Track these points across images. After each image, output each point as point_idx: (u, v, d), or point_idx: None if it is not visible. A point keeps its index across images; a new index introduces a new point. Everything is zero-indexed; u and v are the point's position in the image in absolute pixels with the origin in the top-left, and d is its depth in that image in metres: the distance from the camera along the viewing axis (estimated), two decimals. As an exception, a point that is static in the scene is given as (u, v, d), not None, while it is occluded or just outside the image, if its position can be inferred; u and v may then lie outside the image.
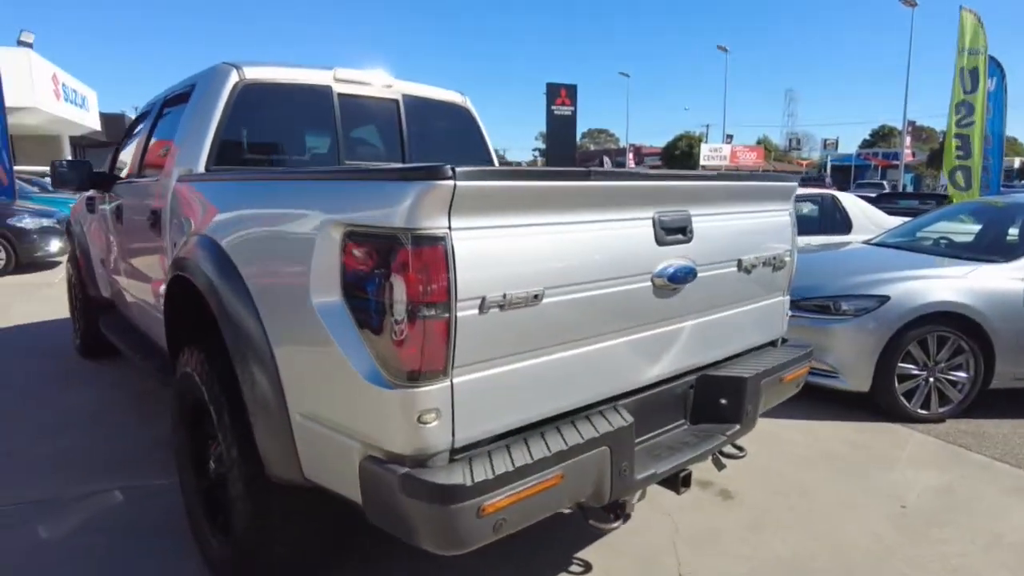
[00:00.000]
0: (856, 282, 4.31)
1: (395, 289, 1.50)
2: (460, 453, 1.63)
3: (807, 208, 7.45)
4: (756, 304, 2.53)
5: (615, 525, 2.00)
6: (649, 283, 1.99)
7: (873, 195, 16.47)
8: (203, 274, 2.18)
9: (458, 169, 1.48)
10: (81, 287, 4.93)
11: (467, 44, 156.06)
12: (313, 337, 1.72)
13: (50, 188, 12.18)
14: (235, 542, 2.15)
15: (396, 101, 3.64)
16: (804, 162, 54.37)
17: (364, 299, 1.58)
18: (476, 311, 1.56)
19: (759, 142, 61.21)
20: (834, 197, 6.95)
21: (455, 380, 1.57)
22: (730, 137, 45.15)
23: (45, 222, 9.51)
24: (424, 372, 1.53)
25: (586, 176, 1.77)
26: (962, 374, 4.15)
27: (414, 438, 1.55)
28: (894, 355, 4.06)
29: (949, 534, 2.84)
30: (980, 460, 3.63)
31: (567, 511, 1.99)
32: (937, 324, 4.08)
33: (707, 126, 58.09)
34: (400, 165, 2.15)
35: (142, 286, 3.52)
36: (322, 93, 3.34)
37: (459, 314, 1.54)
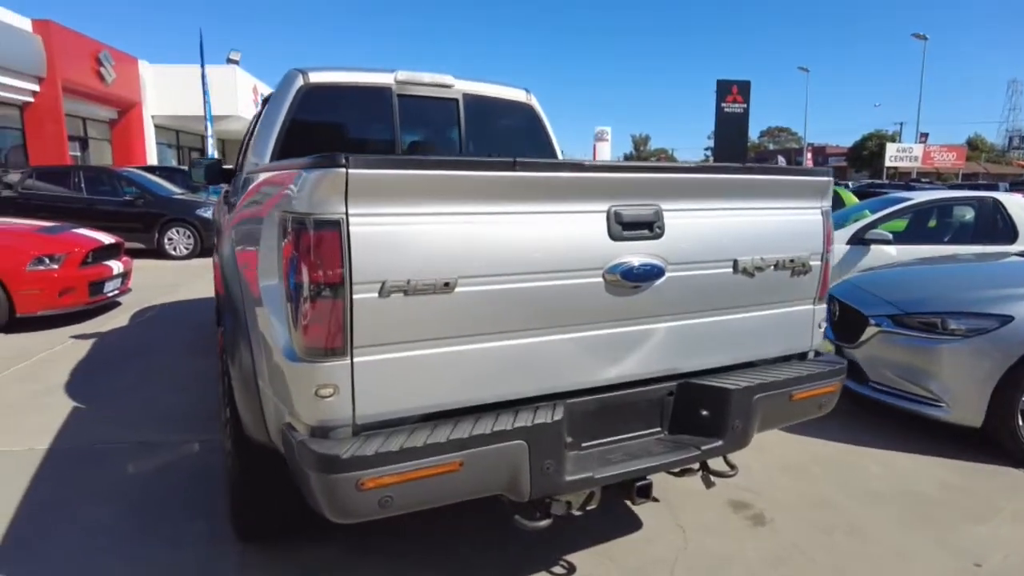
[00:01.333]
0: (974, 297, 3.66)
1: (301, 270, 1.62)
2: (366, 430, 1.71)
3: (968, 214, 6.43)
4: (766, 311, 2.29)
5: (540, 524, 1.94)
6: (600, 279, 1.91)
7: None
8: (220, 257, 2.48)
9: (351, 157, 1.56)
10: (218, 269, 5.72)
11: (633, 42, 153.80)
12: (262, 313, 1.90)
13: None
14: (232, 492, 2.42)
15: (456, 100, 3.77)
16: (1027, 163, 46.30)
17: (287, 279, 1.72)
18: (375, 295, 1.63)
19: (968, 141, 53.25)
20: (996, 201, 5.91)
21: (356, 359, 1.65)
22: (924, 136, 39.67)
23: (225, 214, 11.05)
24: (323, 349, 1.63)
25: (510, 167, 1.75)
26: (1118, 419, 3.37)
27: (314, 410, 1.66)
28: (1017, 386, 3.40)
29: (1020, 604, 2.35)
30: (1117, 526, 2.93)
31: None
32: (1081, 354, 3.35)
33: (900, 124, 51.79)
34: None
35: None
36: (382, 94, 3.57)
37: (356, 296, 1.61)
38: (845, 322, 4.14)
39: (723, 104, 29.75)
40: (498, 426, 1.74)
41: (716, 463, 2.32)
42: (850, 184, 21.59)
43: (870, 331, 3.89)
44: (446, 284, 1.69)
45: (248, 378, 2.10)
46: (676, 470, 2.25)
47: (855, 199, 9.86)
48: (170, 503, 2.92)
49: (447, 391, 1.79)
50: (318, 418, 1.66)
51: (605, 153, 37.18)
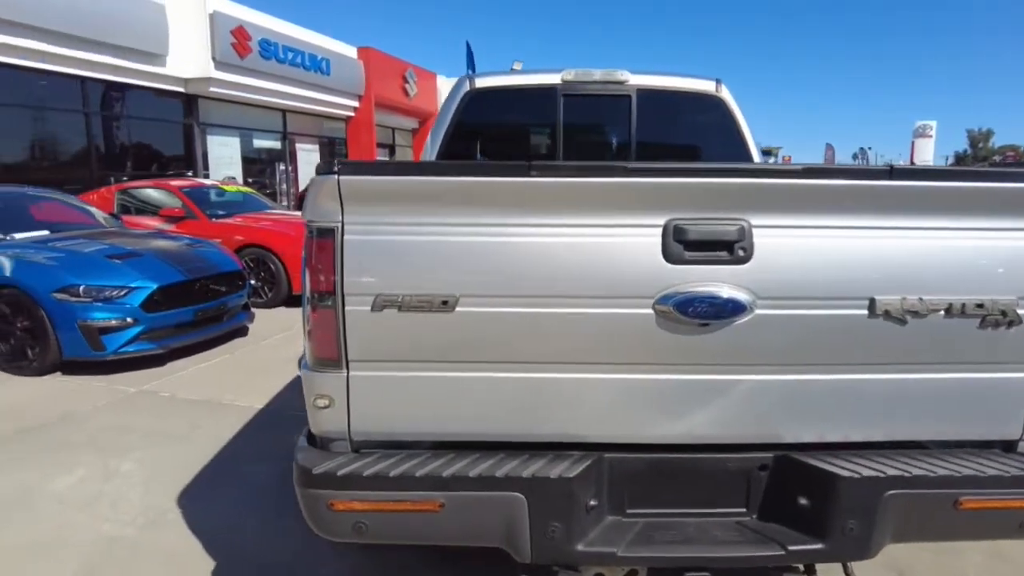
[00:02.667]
0: None
1: (306, 276, 1.61)
2: (366, 448, 1.64)
3: None
4: (933, 375, 1.61)
5: None
6: (649, 311, 1.53)
7: None
8: None
9: (344, 164, 1.49)
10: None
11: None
12: None
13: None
14: None
15: (628, 96, 3.47)
16: None
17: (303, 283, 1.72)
18: (368, 308, 1.53)
19: None
20: None
21: (352, 373, 1.58)
22: None
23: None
24: (321, 359, 1.59)
25: (523, 172, 1.49)
26: None
27: (315, 419, 1.64)
28: None
29: None
30: None
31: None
32: None
33: None
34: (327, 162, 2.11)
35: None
36: (547, 94, 3.45)
37: (348, 308, 1.54)
38: None
39: None
40: (489, 471, 1.51)
41: (831, 571, 1.72)
42: None
43: None
44: (444, 302, 1.52)
45: None
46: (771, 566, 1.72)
47: None
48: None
49: (454, 420, 1.61)
50: (318, 428, 1.64)
51: (927, 151, 31.76)
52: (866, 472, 1.53)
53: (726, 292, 1.52)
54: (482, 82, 3.43)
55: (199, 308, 5.21)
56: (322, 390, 1.60)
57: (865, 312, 1.55)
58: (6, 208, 5.65)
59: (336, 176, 1.48)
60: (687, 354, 1.57)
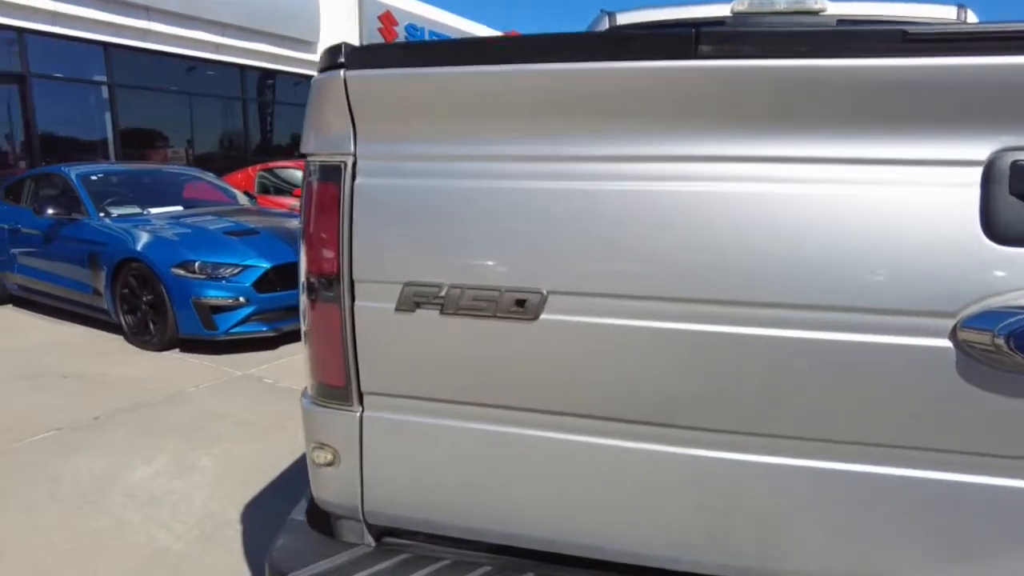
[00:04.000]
0: None
1: (300, 250, 1.00)
2: (393, 537, 1.00)
3: None
4: None
5: None
6: (945, 344, 0.73)
7: None
8: None
9: (351, 49, 0.84)
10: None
11: None
12: None
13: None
14: None
15: (824, 29, 2.57)
16: None
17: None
18: (391, 305, 0.88)
19: None
20: None
21: (367, 413, 0.94)
22: None
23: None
24: (322, 386, 0.97)
25: (685, 48, 0.74)
26: None
27: (315, 481, 1.02)
28: None
29: None
30: None
31: None
32: None
33: None
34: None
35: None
36: (710, 29, 2.67)
37: (359, 303, 0.90)
38: None
39: None
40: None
41: None
42: None
43: None
44: (520, 302, 0.82)
45: None
46: None
47: None
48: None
49: (536, 514, 0.92)
50: (316, 493, 1.02)
51: None
52: None
53: None
54: (625, 17, 2.71)
55: (313, 290, 4.94)
56: (321, 436, 0.98)
57: None
58: (147, 185, 5.79)
59: (341, 72, 0.84)
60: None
